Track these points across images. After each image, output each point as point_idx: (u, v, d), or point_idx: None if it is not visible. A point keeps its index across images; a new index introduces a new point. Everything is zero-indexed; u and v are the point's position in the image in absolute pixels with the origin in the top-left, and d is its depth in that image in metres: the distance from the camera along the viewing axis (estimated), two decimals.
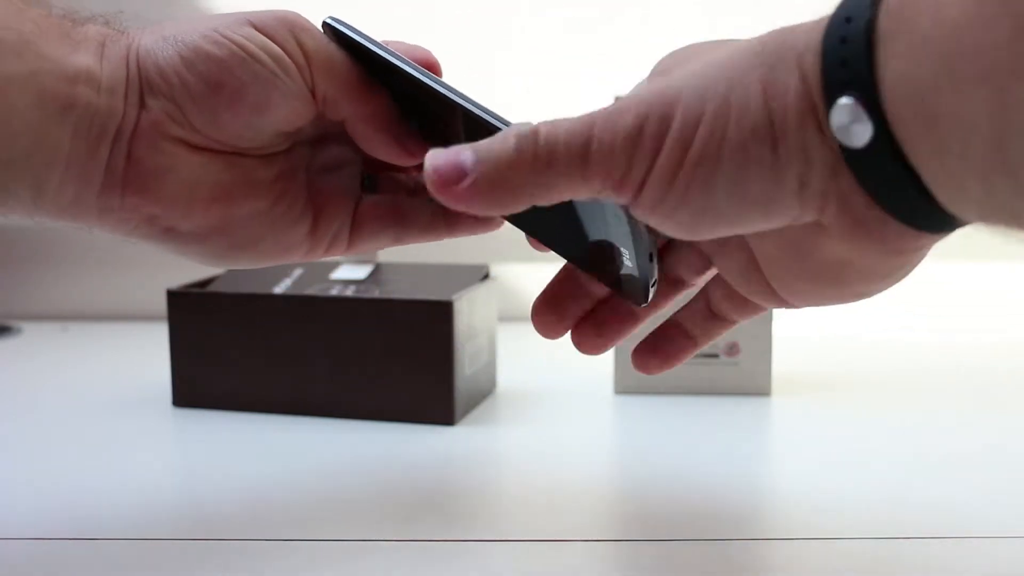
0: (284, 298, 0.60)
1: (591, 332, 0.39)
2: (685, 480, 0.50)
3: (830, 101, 0.28)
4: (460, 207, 0.31)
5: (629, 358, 0.38)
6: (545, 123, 0.31)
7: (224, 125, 0.37)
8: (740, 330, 0.64)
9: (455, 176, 0.31)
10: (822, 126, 0.29)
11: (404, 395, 0.58)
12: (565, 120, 0.31)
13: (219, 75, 0.36)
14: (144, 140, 0.37)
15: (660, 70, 0.35)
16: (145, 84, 0.37)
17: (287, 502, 0.47)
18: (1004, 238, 0.27)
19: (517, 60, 0.91)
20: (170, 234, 0.39)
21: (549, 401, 0.65)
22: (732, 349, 0.65)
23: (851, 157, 0.28)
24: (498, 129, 0.34)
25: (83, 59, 0.36)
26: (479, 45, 0.92)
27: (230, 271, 0.65)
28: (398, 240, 0.43)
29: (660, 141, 0.30)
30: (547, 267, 0.41)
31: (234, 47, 0.37)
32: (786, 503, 0.48)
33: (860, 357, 0.78)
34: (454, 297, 0.58)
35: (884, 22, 0.27)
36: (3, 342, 0.85)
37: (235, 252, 0.40)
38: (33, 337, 0.87)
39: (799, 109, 0.29)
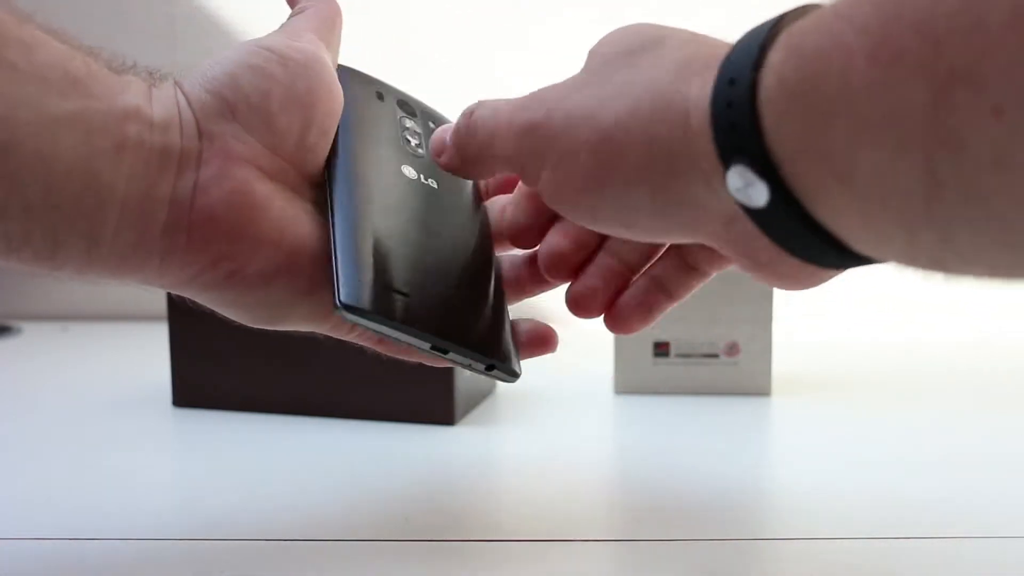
0: None
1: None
2: (685, 480, 0.50)
3: (725, 165, 0.28)
4: (449, 170, 0.38)
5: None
6: (484, 106, 0.36)
7: (282, 131, 0.37)
8: (740, 330, 0.65)
9: (440, 148, 0.38)
10: (712, 182, 0.29)
11: (404, 395, 0.58)
12: (492, 104, 0.36)
13: (263, 81, 0.37)
14: (212, 167, 0.36)
15: (591, 57, 0.35)
16: (200, 115, 0.36)
17: (287, 502, 0.47)
18: (923, 278, 0.26)
19: (517, 60, 0.91)
20: (233, 279, 0.37)
21: (549, 401, 0.65)
22: (732, 349, 0.65)
23: (753, 214, 0.28)
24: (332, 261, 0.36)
25: (132, 99, 0.35)
26: (479, 45, 0.92)
27: None
28: None
29: (543, 156, 0.33)
30: None
31: (267, 52, 0.37)
32: (786, 503, 0.48)
33: (860, 357, 0.78)
34: None
35: (770, 83, 0.26)
36: (3, 342, 0.85)
37: (300, 299, 0.38)
38: (33, 337, 0.87)
39: (685, 164, 0.29)
